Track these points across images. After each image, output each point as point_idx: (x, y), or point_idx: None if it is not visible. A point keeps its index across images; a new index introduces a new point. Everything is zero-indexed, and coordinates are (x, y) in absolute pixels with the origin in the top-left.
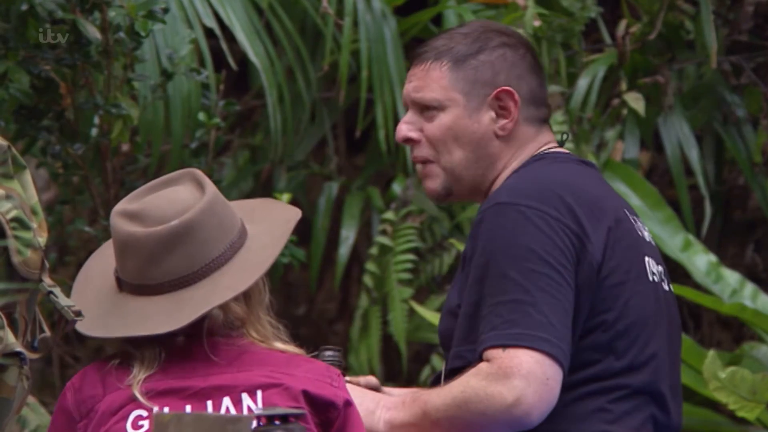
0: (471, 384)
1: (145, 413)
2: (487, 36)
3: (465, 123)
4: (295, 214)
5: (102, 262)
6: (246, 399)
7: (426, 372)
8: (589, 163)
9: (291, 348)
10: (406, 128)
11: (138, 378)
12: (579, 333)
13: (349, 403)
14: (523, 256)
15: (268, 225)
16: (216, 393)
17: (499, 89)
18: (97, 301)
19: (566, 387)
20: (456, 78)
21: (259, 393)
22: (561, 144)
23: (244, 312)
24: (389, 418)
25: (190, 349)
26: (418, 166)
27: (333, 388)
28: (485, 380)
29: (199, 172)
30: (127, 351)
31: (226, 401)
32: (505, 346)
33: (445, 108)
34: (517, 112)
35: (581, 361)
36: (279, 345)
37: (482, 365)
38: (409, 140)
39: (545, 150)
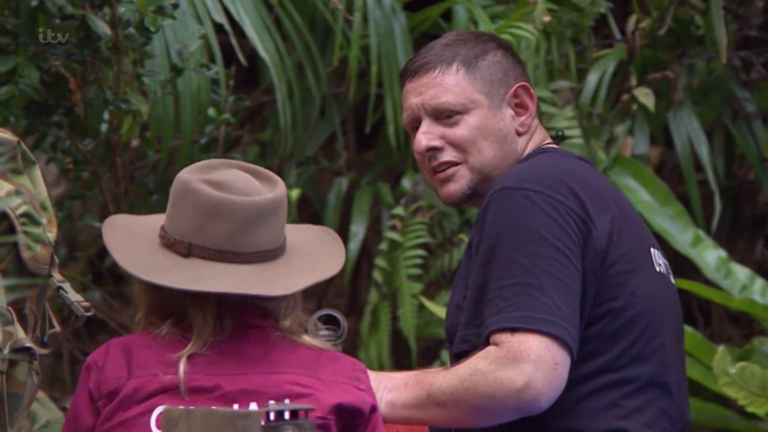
0: (479, 367)
1: None
2: (483, 39)
3: (492, 122)
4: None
5: (125, 241)
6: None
7: (435, 367)
8: (588, 161)
9: (318, 342)
10: (426, 138)
11: (188, 352)
12: (586, 320)
13: (374, 408)
14: (529, 240)
15: (303, 234)
16: (243, 397)
17: (517, 86)
18: (154, 256)
19: (576, 380)
20: (473, 80)
21: (286, 402)
22: (555, 139)
23: (294, 301)
24: (391, 399)
25: (219, 342)
26: (440, 174)
27: (360, 392)
28: (494, 364)
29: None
30: (184, 317)
31: (253, 407)
32: (513, 330)
33: (469, 110)
34: (534, 107)
35: (590, 350)
36: (306, 338)
37: (490, 349)
38: (432, 149)
39: (547, 145)
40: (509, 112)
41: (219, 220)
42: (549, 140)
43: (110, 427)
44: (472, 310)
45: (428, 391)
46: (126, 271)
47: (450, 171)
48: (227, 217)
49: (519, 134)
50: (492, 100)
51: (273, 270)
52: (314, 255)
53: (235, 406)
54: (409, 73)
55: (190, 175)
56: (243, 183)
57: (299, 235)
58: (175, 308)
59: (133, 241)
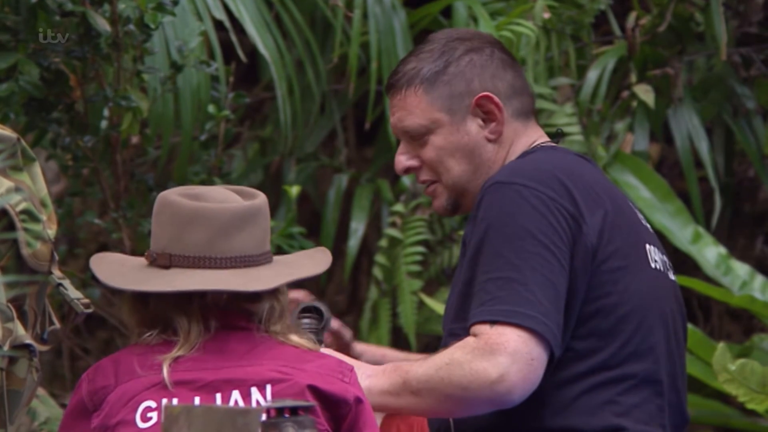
0: (455, 357)
1: (154, 404)
2: (451, 47)
3: (455, 139)
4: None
5: (112, 266)
6: (255, 393)
7: None
8: (587, 158)
9: (305, 342)
10: (404, 159)
11: (173, 355)
12: (577, 317)
13: (360, 400)
14: (517, 235)
15: (293, 256)
16: (225, 386)
17: (477, 97)
18: (138, 273)
19: (574, 378)
20: (432, 99)
21: (268, 387)
22: (552, 137)
23: (280, 306)
24: (368, 385)
25: (204, 342)
26: (427, 190)
27: (343, 383)
28: (470, 354)
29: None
30: (170, 325)
31: (235, 394)
32: (492, 322)
33: (432, 130)
34: (502, 114)
35: (586, 347)
36: (294, 338)
37: (469, 339)
38: (409, 169)
39: (540, 143)
40: (476, 122)
41: (196, 227)
42: (545, 139)
43: (109, 429)
44: (460, 303)
45: (404, 379)
46: (106, 285)
47: (431, 188)
48: (204, 224)
49: (490, 141)
50: (454, 114)
51: (254, 273)
52: (298, 263)
53: (218, 395)
54: (387, 88)
55: (168, 192)
56: (219, 194)
57: (289, 257)
58: (161, 318)
59: (120, 265)
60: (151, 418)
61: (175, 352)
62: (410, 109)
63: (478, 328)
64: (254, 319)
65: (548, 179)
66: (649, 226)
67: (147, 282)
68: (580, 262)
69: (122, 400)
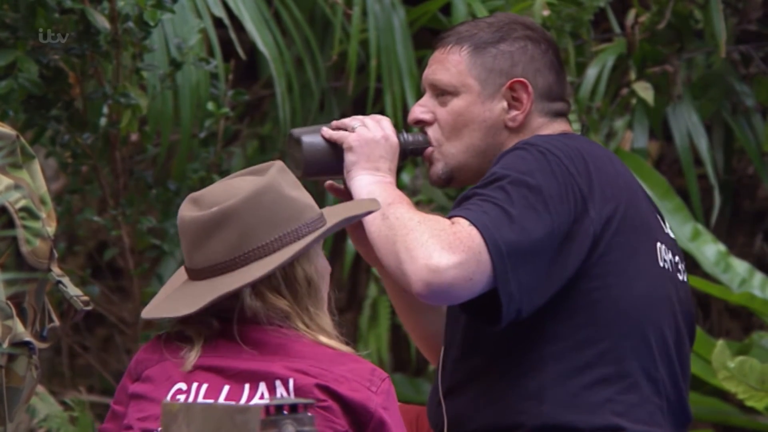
0: (428, 225)
1: (184, 387)
2: (512, 27)
3: (476, 110)
4: (370, 205)
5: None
6: (279, 387)
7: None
8: (612, 153)
9: (336, 344)
10: (419, 110)
11: (193, 352)
12: (575, 304)
13: (385, 408)
14: (528, 185)
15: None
16: (254, 377)
17: (513, 80)
18: (171, 284)
19: (572, 371)
20: (473, 64)
21: (291, 382)
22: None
23: (286, 305)
24: (373, 181)
25: (237, 334)
26: (425, 154)
27: (369, 392)
28: (438, 231)
29: (283, 165)
30: (183, 330)
31: (262, 387)
32: (471, 223)
33: (459, 93)
34: (530, 105)
35: (582, 338)
36: (323, 339)
37: (448, 222)
38: (420, 122)
39: (568, 132)
40: (502, 104)
41: (182, 239)
42: (572, 132)
43: (135, 397)
44: None
45: (391, 204)
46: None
47: (428, 151)
48: (183, 237)
49: (507, 127)
50: (485, 88)
51: (220, 284)
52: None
53: (247, 386)
54: (437, 40)
55: (189, 197)
56: (213, 196)
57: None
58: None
59: (177, 275)
60: (178, 401)
61: (195, 351)
62: (447, 66)
63: (457, 219)
64: (285, 319)
65: (574, 156)
66: (667, 227)
67: (160, 295)
68: (577, 244)
69: (161, 377)
